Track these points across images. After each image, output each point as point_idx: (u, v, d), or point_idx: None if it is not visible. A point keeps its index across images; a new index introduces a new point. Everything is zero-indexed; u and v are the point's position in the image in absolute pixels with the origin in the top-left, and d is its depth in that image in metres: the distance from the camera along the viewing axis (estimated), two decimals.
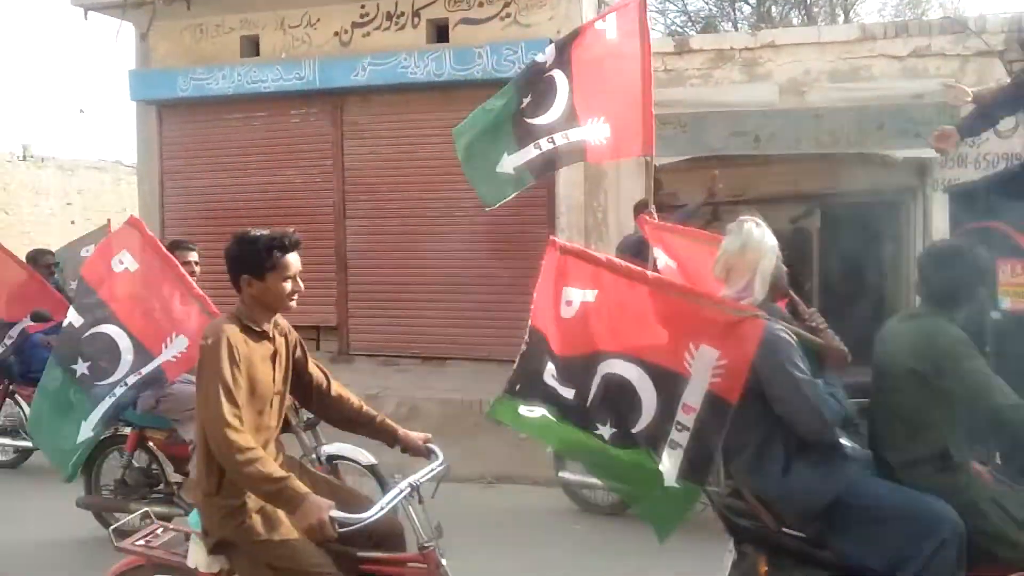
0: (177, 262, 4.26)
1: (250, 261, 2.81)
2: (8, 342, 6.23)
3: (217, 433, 2.52)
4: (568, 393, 3.14)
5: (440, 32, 8.94)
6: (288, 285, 2.81)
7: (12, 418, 6.65)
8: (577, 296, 3.16)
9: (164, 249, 4.30)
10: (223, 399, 2.55)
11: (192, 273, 4.53)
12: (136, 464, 4.78)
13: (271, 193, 9.73)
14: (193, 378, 3.88)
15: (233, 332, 2.72)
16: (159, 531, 3.04)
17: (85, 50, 48.68)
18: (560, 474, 5.21)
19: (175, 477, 4.72)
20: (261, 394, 2.75)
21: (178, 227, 10.20)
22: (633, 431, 3.02)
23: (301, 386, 3.04)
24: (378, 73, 8.84)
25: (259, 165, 9.78)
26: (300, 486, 2.52)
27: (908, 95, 6.87)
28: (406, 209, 9.23)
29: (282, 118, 9.66)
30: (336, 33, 9.20)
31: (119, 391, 4.12)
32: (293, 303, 2.85)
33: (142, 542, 2.96)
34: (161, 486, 4.77)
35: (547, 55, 4.86)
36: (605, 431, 3.07)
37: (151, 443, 4.74)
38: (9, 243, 19.51)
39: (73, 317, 4.18)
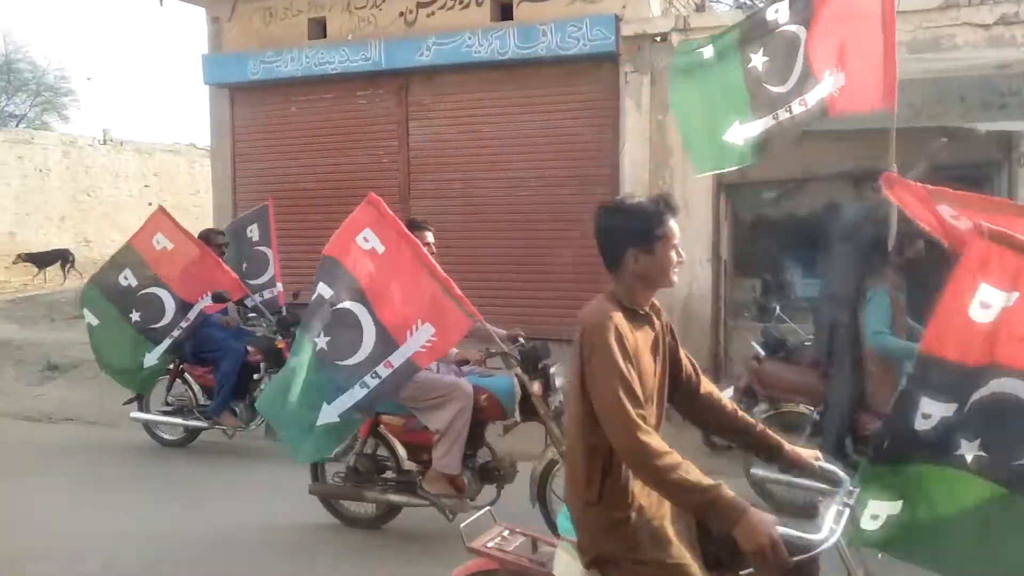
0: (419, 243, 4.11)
1: (638, 231, 2.37)
2: (185, 324, 6.12)
3: (627, 438, 2.16)
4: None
5: (504, 10, 8.90)
6: (674, 255, 2.39)
7: (182, 397, 6.60)
8: (998, 299, 2.51)
9: (405, 229, 4.19)
10: (624, 399, 2.17)
11: (432, 254, 4.37)
12: (366, 451, 4.64)
13: (337, 173, 9.88)
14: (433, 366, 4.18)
15: (619, 318, 2.31)
16: (505, 533, 2.81)
17: (161, 36, 50.11)
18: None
19: (408, 465, 4.51)
20: (645, 389, 2.30)
21: (249, 207, 10.47)
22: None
23: (670, 378, 2.52)
24: (442, 53, 8.87)
25: (326, 146, 9.95)
26: (736, 496, 2.10)
27: (993, 65, 6.53)
28: (470, 189, 9.26)
29: (348, 99, 9.78)
30: (401, 14, 9.25)
31: (371, 382, 4.02)
32: (676, 276, 2.42)
33: (492, 544, 2.74)
34: (392, 473, 4.58)
35: (778, 11, 4.47)
36: (969, 449, 2.58)
37: (385, 430, 4.57)
38: (92, 224, 20.46)
39: (323, 289, 4.12)
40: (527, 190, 9.03)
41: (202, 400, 6.53)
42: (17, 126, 25.34)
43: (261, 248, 7.40)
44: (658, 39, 7.23)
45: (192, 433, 6.54)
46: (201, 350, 6.39)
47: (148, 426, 6.65)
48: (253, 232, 7.31)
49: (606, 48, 8.12)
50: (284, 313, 6.65)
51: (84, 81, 44.50)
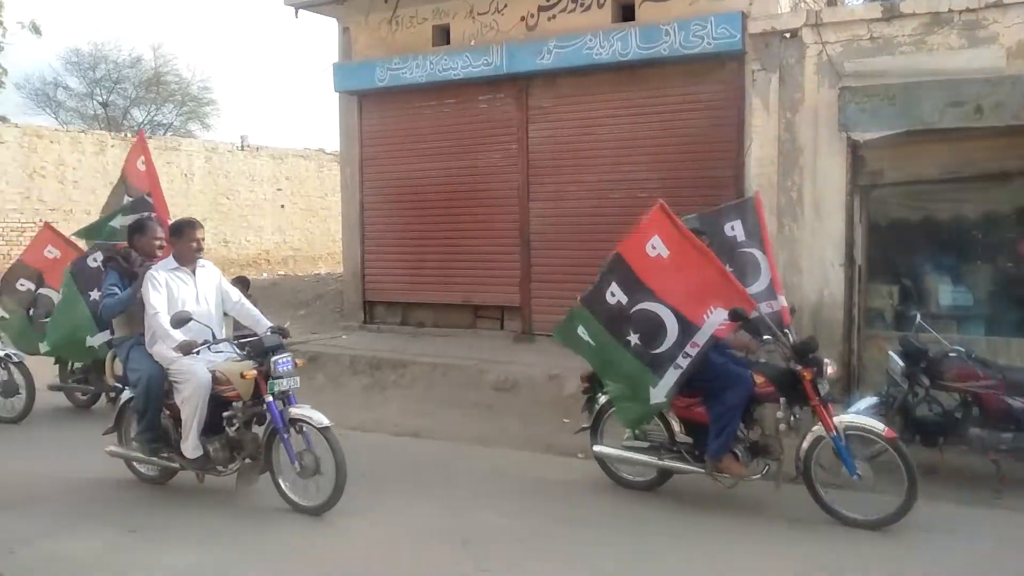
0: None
1: None
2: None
3: None
4: (618, 299, 4.90)
5: (626, 12, 8.83)
6: None
7: (656, 434, 5.91)
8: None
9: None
10: None
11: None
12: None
13: (458, 177, 10.10)
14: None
15: None
16: None
17: (295, 46, 52.64)
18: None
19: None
20: None
21: (375, 209, 10.88)
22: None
23: None
24: (563, 56, 8.90)
25: (448, 150, 10.18)
26: None
27: None
28: (589, 190, 9.25)
29: (470, 104, 9.98)
30: (522, 18, 9.35)
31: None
32: None
33: None
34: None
35: (616, 295, 5.14)
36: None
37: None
38: (230, 225, 21.65)
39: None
40: (647, 192, 8.87)
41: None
42: (164, 134, 27.31)
43: (749, 250, 5.86)
44: (787, 35, 6.98)
45: (663, 476, 5.35)
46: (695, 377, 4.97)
47: (606, 464, 5.60)
48: (736, 230, 5.87)
49: (732, 46, 7.92)
50: (791, 335, 5.06)
51: (226, 91, 47.39)
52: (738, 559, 4.27)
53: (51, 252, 7.78)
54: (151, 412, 5.10)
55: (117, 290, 5.27)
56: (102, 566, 4.23)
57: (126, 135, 19.37)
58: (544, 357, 8.71)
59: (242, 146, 20.04)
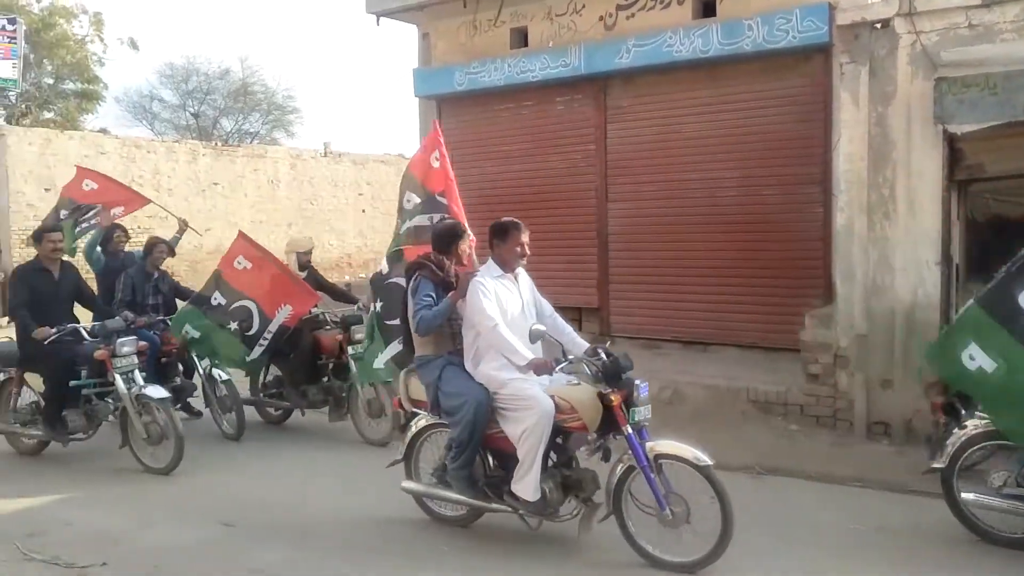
0: None
1: None
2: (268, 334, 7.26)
3: None
4: (219, 302, 6.98)
5: (706, 8, 8.66)
6: None
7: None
8: (244, 263, 7.11)
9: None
10: None
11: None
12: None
13: (536, 179, 10.11)
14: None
15: None
16: None
17: (376, 53, 53.83)
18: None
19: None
20: None
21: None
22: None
23: None
24: (642, 54, 8.80)
25: (525, 153, 10.20)
26: None
27: None
28: (668, 191, 9.12)
29: (548, 106, 9.98)
30: (600, 18, 9.29)
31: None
32: None
33: None
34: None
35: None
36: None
37: None
38: (313, 229, 22.25)
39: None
40: (729, 191, 8.73)
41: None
42: (251, 142, 28.35)
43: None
44: (878, 26, 6.71)
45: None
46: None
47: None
48: None
49: (818, 39, 7.68)
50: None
51: (309, 99, 48.87)
52: None
53: (240, 264, 7.20)
54: (474, 444, 4.39)
55: (432, 301, 4.50)
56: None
57: (216, 144, 20.19)
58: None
59: (325, 152, 20.62)
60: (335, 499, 5.38)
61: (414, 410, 4.84)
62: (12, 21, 16.17)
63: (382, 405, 6.60)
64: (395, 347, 5.26)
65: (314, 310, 7.39)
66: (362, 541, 4.63)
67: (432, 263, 4.69)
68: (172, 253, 8.21)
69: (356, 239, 21.01)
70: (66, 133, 17.31)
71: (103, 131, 19.34)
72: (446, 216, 5.77)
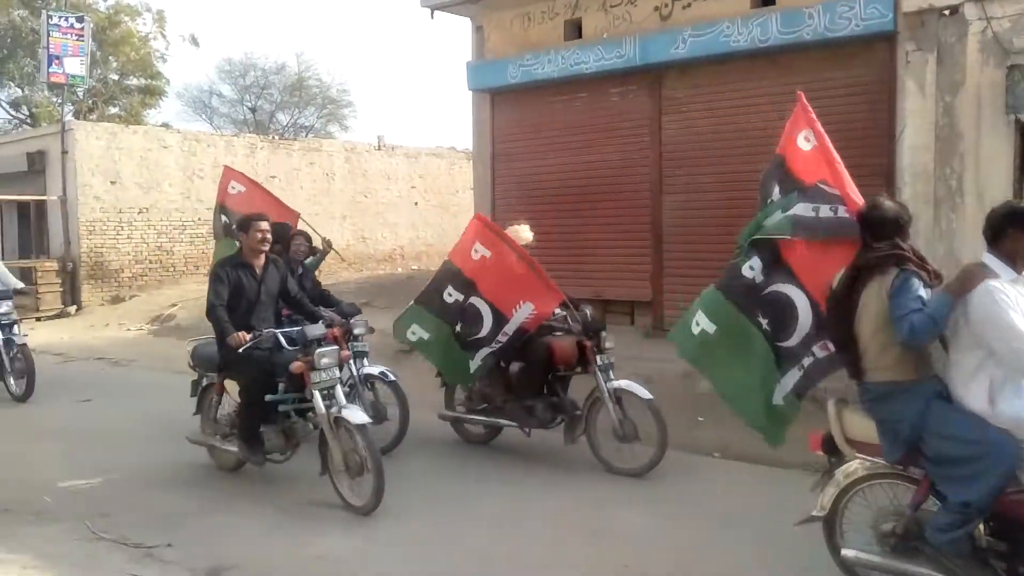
0: None
1: None
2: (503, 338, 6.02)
3: None
4: (455, 298, 5.86)
5: None
6: None
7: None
8: (481, 251, 5.84)
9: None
10: None
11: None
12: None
13: (589, 171, 10.07)
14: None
15: None
16: None
17: (429, 47, 54.16)
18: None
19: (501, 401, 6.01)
20: None
21: (506, 205, 11.02)
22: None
23: None
24: (698, 44, 8.69)
25: (580, 144, 10.17)
26: None
27: None
28: (724, 183, 8.99)
29: (602, 98, 9.92)
30: (656, 8, 9.20)
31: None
32: None
33: None
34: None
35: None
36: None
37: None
38: (367, 222, 22.47)
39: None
40: None
41: None
42: (306, 136, 28.82)
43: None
44: (947, 13, 6.51)
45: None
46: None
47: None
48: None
49: (882, 27, 7.47)
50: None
51: (363, 93, 49.45)
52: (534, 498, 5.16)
53: (477, 252, 5.92)
54: (984, 509, 3.31)
55: (922, 304, 3.39)
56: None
57: (273, 138, 20.57)
58: (676, 354, 8.54)
59: (379, 146, 20.83)
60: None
61: (856, 455, 3.72)
62: (80, 20, 16.67)
63: (635, 426, 5.56)
64: (794, 374, 4.13)
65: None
66: (424, 529, 4.68)
67: (913, 255, 3.59)
68: (313, 252, 7.28)
69: (408, 231, 21.19)
70: (130, 128, 17.84)
71: (165, 126, 19.89)
72: (838, 207, 4.10)
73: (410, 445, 6.14)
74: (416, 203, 21.24)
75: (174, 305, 14.63)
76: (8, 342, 8.22)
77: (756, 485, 5.43)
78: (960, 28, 6.42)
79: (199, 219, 17.69)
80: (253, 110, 32.93)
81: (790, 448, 6.02)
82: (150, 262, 17.19)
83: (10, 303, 8.37)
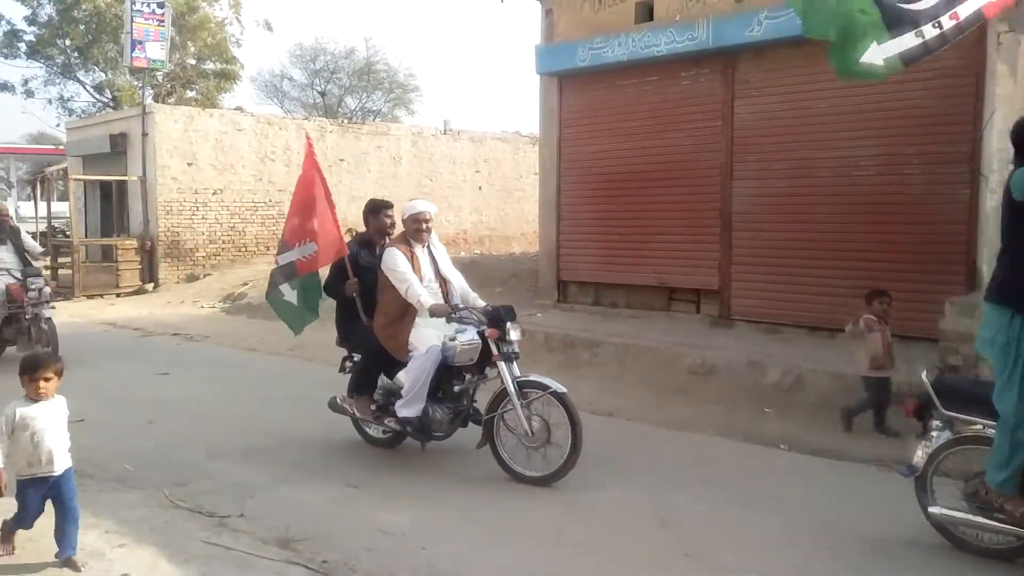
0: None
1: None
2: None
3: None
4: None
5: None
6: None
7: None
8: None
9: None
10: None
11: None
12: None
13: (657, 156, 9.93)
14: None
15: None
16: None
17: (498, 31, 54.12)
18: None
19: None
20: None
21: (572, 189, 10.97)
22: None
23: None
24: (774, 26, 8.44)
25: (648, 129, 10.03)
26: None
27: None
28: (797, 169, 8.75)
29: (672, 81, 9.75)
30: None
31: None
32: None
33: None
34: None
35: None
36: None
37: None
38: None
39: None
40: (864, 170, 8.29)
41: None
42: (374, 120, 29.18)
43: None
44: None
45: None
46: None
47: None
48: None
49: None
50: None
51: (429, 77, 49.73)
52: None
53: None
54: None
55: None
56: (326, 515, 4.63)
57: (342, 121, 20.89)
58: (742, 343, 8.41)
59: (444, 130, 20.95)
60: (455, 466, 5.51)
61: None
62: (161, 5, 17.20)
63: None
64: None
65: None
66: (486, 508, 4.73)
67: None
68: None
69: (472, 215, 21.31)
70: (207, 111, 18.36)
71: (239, 109, 20.36)
72: None
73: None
74: (480, 187, 21.33)
75: (245, 284, 15.04)
76: (36, 317, 8.53)
77: (823, 478, 5.31)
78: None
79: (270, 200, 18.13)
80: (323, 94, 33.53)
81: (860, 443, 5.92)
82: (223, 242, 17.71)
83: (40, 280, 8.74)
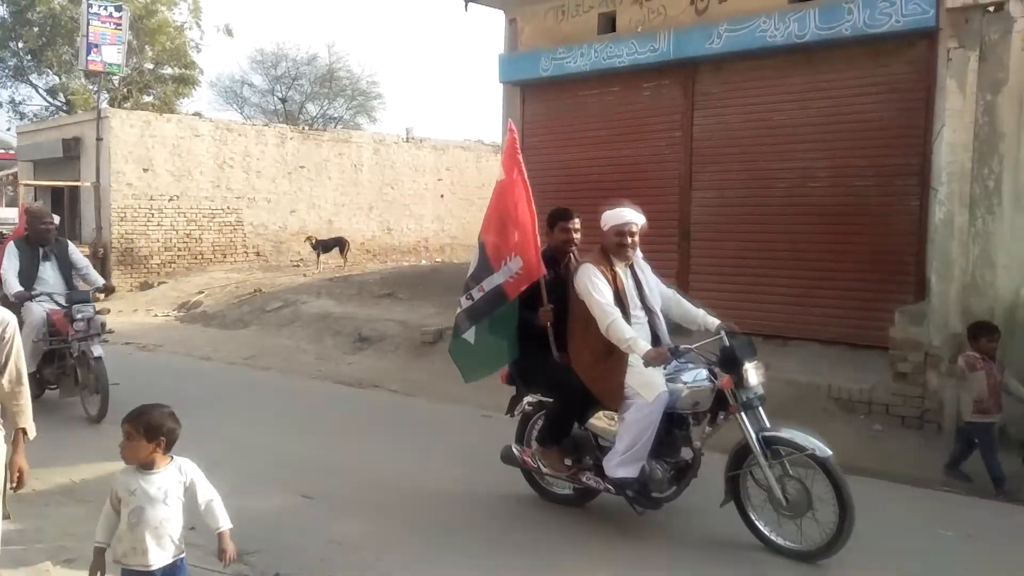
0: None
1: None
2: None
3: None
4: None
5: None
6: None
7: None
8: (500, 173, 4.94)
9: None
10: None
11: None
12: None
13: (619, 166, 9.98)
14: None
15: None
16: None
17: (460, 39, 54.17)
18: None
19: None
20: None
21: (535, 200, 10.94)
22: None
23: None
24: (734, 39, 8.57)
25: (610, 139, 10.09)
26: None
27: None
28: (755, 180, 8.87)
29: (634, 92, 9.83)
30: (692, 1, 9.09)
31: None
32: None
33: None
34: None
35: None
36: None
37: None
38: (393, 213, 22.60)
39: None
40: (820, 181, 8.44)
41: None
42: (335, 127, 28.96)
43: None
44: (991, 9, 6.33)
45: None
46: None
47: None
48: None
49: (923, 23, 7.34)
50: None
51: (392, 85, 49.59)
52: None
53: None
54: None
55: None
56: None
57: (303, 128, 20.70)
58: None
59: (407, 138, 20.88)
60: (415, 475, 5.46)
61: None
62: (119, 8, 16.86)
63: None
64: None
65: None
66: (441, 518, 4.68)
67: None
68: None
69: (433, 224, 21.24)
70: (164, 116, 18.05)
71: (198, 115, 20.08)
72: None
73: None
74: (442, 195, 21.28)
75: (200, 292, 14.78)
76: (84, 355, 6.86)
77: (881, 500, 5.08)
78: (1004, 25, 6.24)
79: (228, 207, 17.86)
80: (283, 100, 33.18)
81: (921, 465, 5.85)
82: (179, 249, 17.39)
83: (90, 308, 6.99)
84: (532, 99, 10.87)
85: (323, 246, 17.07)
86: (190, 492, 2.94)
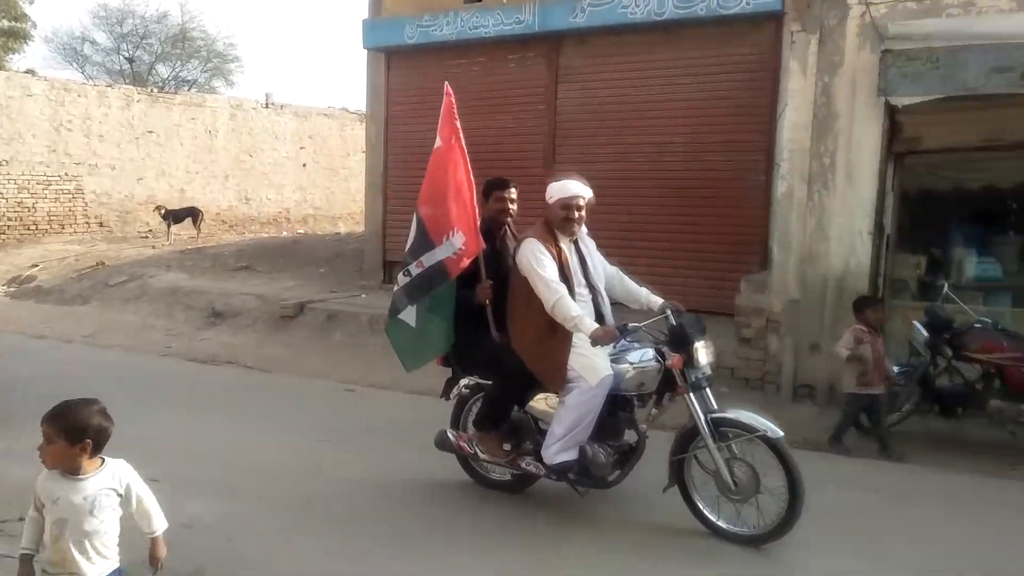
0: None
1: None
2: None
3: None
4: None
5: None
6: None
7: None
8: (438, 140, 4.77)
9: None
10: None
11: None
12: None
13: (485, 138, 9.91)
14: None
15: None
16: None
17: (326, 2, 52.17)
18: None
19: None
20: None
21: (399, 169, 10.79)
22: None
23: None
24: (596, 14, 8.71)
25: (474, 109, 9.93)
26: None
27: None
28: (617, 154, 9.11)
29: (499, 63, 9.83)
30: None
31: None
32: None
33: None
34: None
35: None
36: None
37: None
38: (252, 182, 21.59)
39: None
40: (676, 157, 8.77)
41: None
42: (189, 90, 27.28)
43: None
44: None
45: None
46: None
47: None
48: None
49: (770, 6, 7.74)
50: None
51: (251, 48, 47.19)
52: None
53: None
54: None
55: None
56: None
57: (152, 90, 19.36)
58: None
59: (266, 104, 19.95)
60: (270, 452, 5.27)
61: None
62: None
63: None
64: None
65: None
66: (297, 497, 4.55)
67: None
68: None
69: (295, 194, 20.50)
70: None
71: (30, 72, 18.32)
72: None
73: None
74: (304, 165, 20.56)
75: (35, 266, 13.60)
76: None
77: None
78: (841, 11, 6.66)
79: (65, 174, 16.49)
80: (130, 60, 30.87)
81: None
82: (9, 219, 15.91)
83: None
84: (397, 67, 10.64)
85: (174, 216, 16.09)
86: (126, 499, 2.62)
